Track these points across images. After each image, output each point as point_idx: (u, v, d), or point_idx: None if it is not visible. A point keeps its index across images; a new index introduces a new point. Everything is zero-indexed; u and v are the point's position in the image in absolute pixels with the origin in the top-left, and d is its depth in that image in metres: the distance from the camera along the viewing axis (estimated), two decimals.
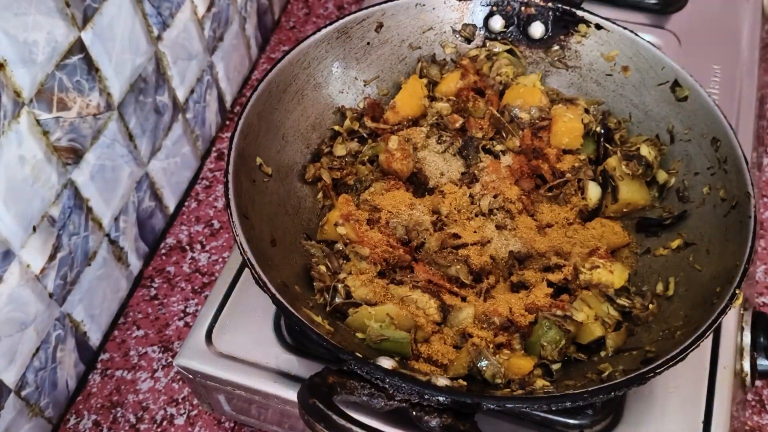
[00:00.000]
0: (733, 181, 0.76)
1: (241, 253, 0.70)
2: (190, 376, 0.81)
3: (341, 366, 0.65)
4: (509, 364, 0.71)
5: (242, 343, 0.81)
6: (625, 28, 0.86)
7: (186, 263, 1.06)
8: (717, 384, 0.77)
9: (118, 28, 0.87)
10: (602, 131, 0.86)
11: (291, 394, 0.76)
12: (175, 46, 1.00)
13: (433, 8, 0.90)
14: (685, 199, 0.81)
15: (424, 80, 0.90)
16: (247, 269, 0.76)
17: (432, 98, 0.90)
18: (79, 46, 0.81)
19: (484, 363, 0.70)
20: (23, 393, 0.84)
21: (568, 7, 0.88)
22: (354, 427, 0.59)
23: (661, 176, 0.84)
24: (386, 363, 0.65)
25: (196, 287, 1.03)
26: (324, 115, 0.89)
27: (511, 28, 0.92)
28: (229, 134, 1.16)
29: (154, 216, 1.05)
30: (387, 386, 0.63)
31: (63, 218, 0.84)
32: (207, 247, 1.07)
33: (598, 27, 0.87)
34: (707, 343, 0.79)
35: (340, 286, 0.76)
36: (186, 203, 1.12)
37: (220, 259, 1.06)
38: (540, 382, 0.71)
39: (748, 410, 0.92)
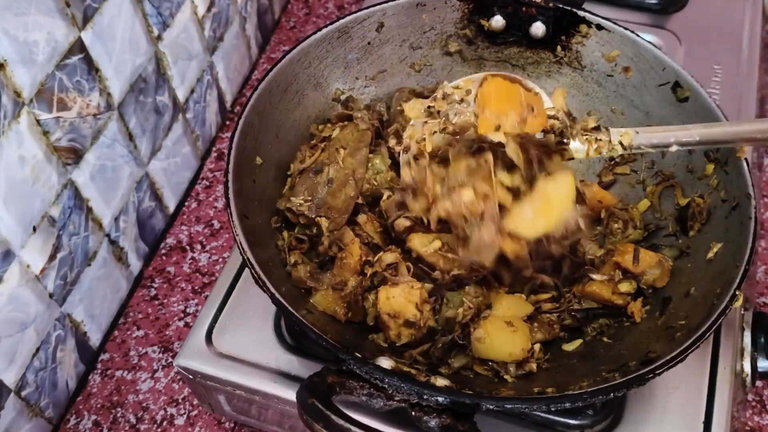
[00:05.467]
0: (734, 182, 0.76)
1: (241, 253, 0.70)
2: (190, 377, 0.81)
3: (340, 366, 0.65)
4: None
5: (242, 344, 0.81)
6: (626, 29, 0.86)
7: (186, 263, 1.06)
8: (717, 384, 0.76)
9: (118, 28, 0.87)
10: None
11: (291, 394, 0.76)
12: (175, 46, 1.00)
13: (434, 8, 0.90)
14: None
15: None
16: (247, 269, 0.76)
17: None
18: (79, 46, 0.81)
19: None
20: (23, 393, 0.84)
21: (569, 8, 0.88)
22: (353, 427, 0.59)
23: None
24: (385, 363, 0.65)
25: (196, 287, 1.03)
26: (325, 115, 0.89)
27: (512, 29, 0.92)
28: (229, 134, 1.16)
29: (154, 216, 1.05)
30: (386, 386, 0.63)
31: (63, 218, 0.84)
32: (207, 247, 1.07)
33: (599, 27, 0.87)
34: (708, 344, 0.79)
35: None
36: (186, 203, 1.12)
37: (220, 259, 1.06)
38: None
39: (748, 410, 0.92)
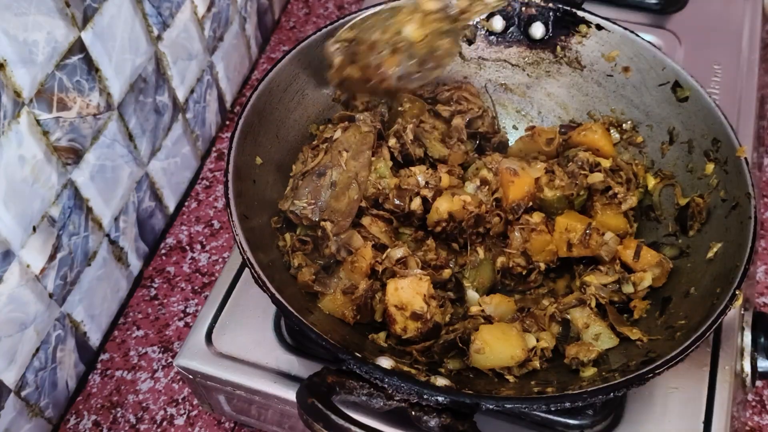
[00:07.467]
0: (734, 182, 0.76)
1: (241, 253, 0.70)
2: (190, 377, 0.81)
3: (340, 366, 0.65)
4: None
5: (242, 343, 0.81)
6: (625, 29, 0.86)
7: (186, 263, 1.06)
8: (717, 384, 0.76)
9: (118, 28, 0.87)
10: None
11: (291, 394, 0.76)
12: (175, 46, 1.00)
13: None
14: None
15: None
16: (247, 269, 0.76)
17: None
18: (79, 46, 0.81)
19: None
20: (23, 393, 0.84)
21: (568, 8, 0.88)
22: (353, 427, 0.59)
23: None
24: (385, 363, 0.65)
25: (196, 287, 1.03)
26: (325, 115, 0.89)
27: (511, 29, 0.92)
28: (229, 134, 1.16)
29: (154, 216, 1.05)
30: (386, 386, 0.63)
31: (63, 218, 0.84)
32: (207, 247, 1.07)
33: (599, 27, 0.87)
34: (708, 344, 0.79)
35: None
36: (186, 203, 1.12)
37: (220, 259, 1.06)
38: None
39: (748, 410, 0.92)
